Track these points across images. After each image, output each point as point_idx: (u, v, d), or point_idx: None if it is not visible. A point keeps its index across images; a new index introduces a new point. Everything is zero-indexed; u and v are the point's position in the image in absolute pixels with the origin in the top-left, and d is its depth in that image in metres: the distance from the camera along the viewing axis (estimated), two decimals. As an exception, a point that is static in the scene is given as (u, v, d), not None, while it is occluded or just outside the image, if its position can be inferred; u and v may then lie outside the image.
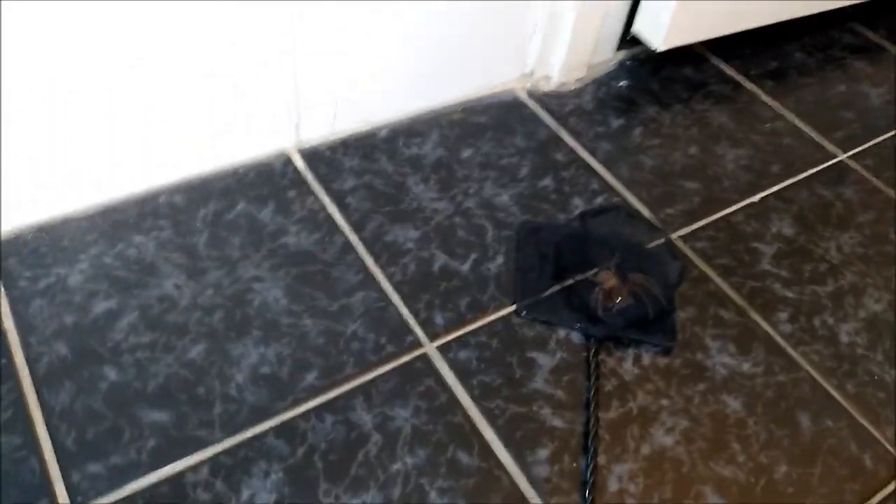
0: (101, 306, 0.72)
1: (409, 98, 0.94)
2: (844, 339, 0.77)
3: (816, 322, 0.78)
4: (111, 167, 0.78)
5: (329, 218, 0.81)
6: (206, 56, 0.75)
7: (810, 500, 0.65)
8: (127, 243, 0.77)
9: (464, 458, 0.64)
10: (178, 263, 0.76)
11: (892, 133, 1.03)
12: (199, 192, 0.83)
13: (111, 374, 0.67)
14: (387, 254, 0.79)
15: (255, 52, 0.77)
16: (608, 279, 0.74)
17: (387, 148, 0.90)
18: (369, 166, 0.88)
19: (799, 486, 0.65)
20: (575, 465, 0.64)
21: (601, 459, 0.65)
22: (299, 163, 0.87)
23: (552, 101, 1.00)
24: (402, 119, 0.94)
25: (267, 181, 0.85)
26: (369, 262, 0.78)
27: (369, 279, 0.76)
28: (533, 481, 0.63)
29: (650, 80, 1.06)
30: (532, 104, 0.99)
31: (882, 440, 0.69)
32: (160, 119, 0.77)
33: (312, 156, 0.88)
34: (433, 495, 0.62)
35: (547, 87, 1.02)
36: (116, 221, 0.79)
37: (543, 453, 0.65)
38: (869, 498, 0.66)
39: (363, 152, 0.89)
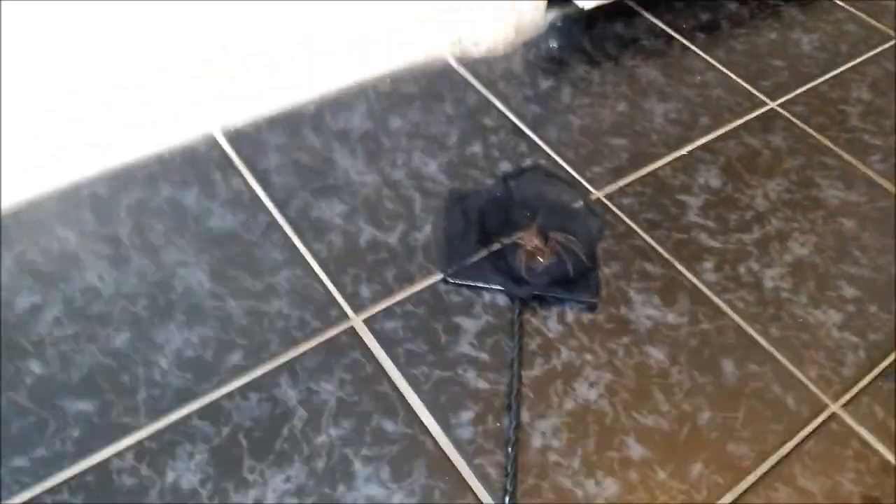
0: (25, 301, 0.71)
1: (337, 71, 0.94)
2: (769, 284, 0.78)
3: (742, 269, 0.79)
4: (32, 162, 0.77)
5: (254, 198, 0.81)
6: (126, 41, 0.73)
7: (733, 443, 0.66)
8: (50, 237, 0.76)
9: (389, 425, 0.65)
10: (102, 254, 0.75)
11: (822, 78, 1.03)
12: (123, 180, 0.82)
13: (35, 367, 0.67)
14: (312, 230, 0.79)
15: (177, 35, 0.76)
16: (530, 240, 0.74)
17: (313, 123, 0.90)
18: (295, 143, 0.87)
19: (722, 431, 0.67)
20: (499, 424, 0.65)
21: (525, 417, 0.66)
22: (224, 145, 0.86)
23: (481, 66, 0.99)
24: (330, 93, 0.93)
25: (191, 165, 0.84)
26: (294, 239, 0.78)
27: (294, 256, 0.76)
28: (457, 443, 0.64)
29: (581, 38, 1.05)
30: (461, 70, 0.98)
31: (805, 381, 0.71)
32: (82, 109, 0.76)
33: (237, 137, 0.87)
34: (358, 464, 0.62)
35: (476, 52, 1.01)
36: (40, 216, 0.78)
37: (467, 415, 0.66)
38: (791, 437, 0.67)
39: (289, 129, 0.89)
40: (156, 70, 0.78)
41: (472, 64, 0.99)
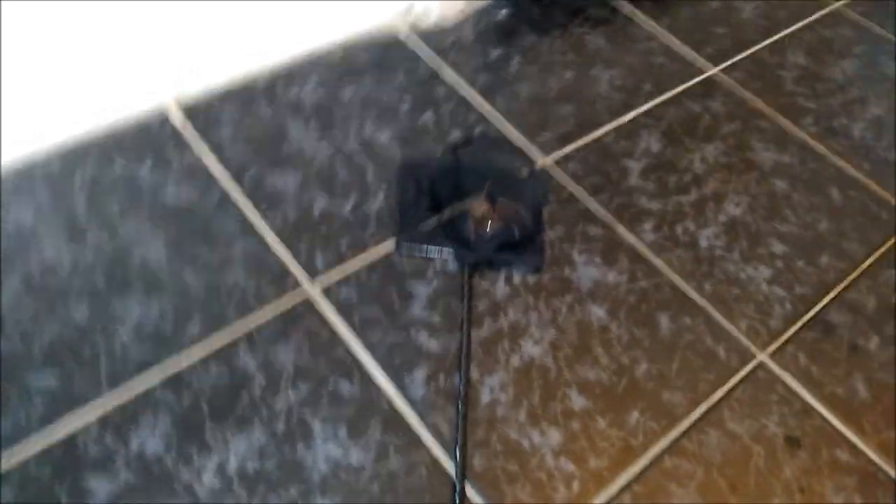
0: (-19, 279, 0.72)
1: (288, 43, 0.94)
2: (704, 243, 0.82)
3: (679, 230, 0.83)
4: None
5: (207, 170, 0.82)
6: (76, 14, 0.73)
7: (667, 392, 0.71)
8: (6, 216, 0.77)
9: (345, 388, 0.68)
10: (59, 230, 0.76)
11: (762, 44, 1.07)
12: (76, 156, 0.82)
13: (-4, 343, 0.68)
14: (266, 201, 0.80)
15: (127, 7, 0.76)
16: (478, 207, 0.77)
17: (266, 94, 0.91)
18: (248, 114, 0.88)
19: (658, 381, 0.71)
20: (450, 382, 0.69)
21: (474, 374, 0.69)
22: (177, 118, 0.87)
23: (433, 36, 1.01)
24: (283, 64, 0.94)
25: (144, 139, 0.84)
26: (248, 210, 0.79)
27: (249, 228, 0.78)
28: (410, 401, 0.67)
29: (531, 8, 1.07)
30: (413, 40, 1.00)
31: (735, 332, 0.76)
32: (32, 85, 0.76)
33: (190, 109, 0.88)
34: (316, 424, 0.65)
35: (427, 22, 1.02)
36: (-9, 194, 0.78)
37: (420, 375, 0.69)
38: (721, 385, 0.72)
39: (242, 101, 0.89)
40: (106, 43, 0.78)
41: (423, 34, 1.01)
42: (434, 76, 0.95)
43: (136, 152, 0.83)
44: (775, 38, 1.08)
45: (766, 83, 1.01)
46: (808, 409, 0.72)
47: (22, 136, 0.79)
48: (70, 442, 0.63)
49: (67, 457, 0.62)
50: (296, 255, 0.76)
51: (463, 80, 0.95)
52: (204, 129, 0.86)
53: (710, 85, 1.00)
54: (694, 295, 0.78)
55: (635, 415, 0.69)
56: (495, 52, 1.00)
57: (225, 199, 0.80)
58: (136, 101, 0.86)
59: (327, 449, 0.64)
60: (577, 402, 0.69)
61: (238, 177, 0.82)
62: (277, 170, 0.83)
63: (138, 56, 0.81)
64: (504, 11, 1.05)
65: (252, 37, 0.90)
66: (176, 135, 0.85)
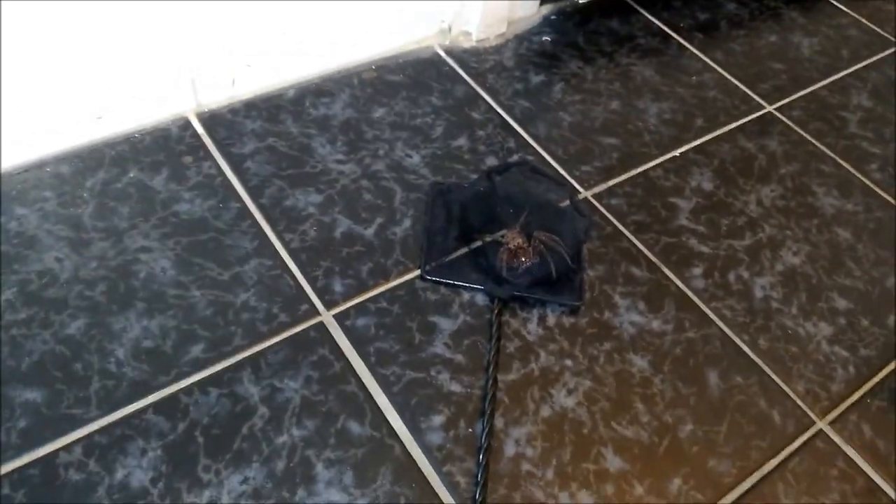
0: (-23, 282, 0.67)
1: (320, 57, 0.90)
2: (759, 293, 0.75)
3: (731, 277, 0.76)
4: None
5: (226, 183, 0.77)
6: (97, 16, 0.70)
7: (714, 459, 0.63)
8: (8, 216, 0.72)
9: (355, 427, 0.61)
10: (62, 236, 0.71)
11: (821, 83, 1.00)
12: (89, 161, 0.78)
13: (-17, 353, 0.63)
14: (285, 220, 0.75)
15: (149, 13, 0.72)
16: (513, 238, 0.71)
17: (293, 109, 0.86)
18: (272, 128, 0.83)
19: (704, 445, 0.64)
20: (471, 430, 0.62)
21: (499, 423, 0.62)
22: (198, 127, 0.83)
23: (471, 57, 0.96)
24: (312, 78, 0.90)
25: (162, 147, 0.80)
26: (266, 228, 0.74)
27: (265, 246, 0.72)
28: (426, 449, 0.61)
29: (575, 33, 1.02)
30: (450, 61, 0.95)
31: (792, 395, 0.68)
32: (48, 86, 0.72)
33: (212, 119, 0.83)
34: (320, 467, 0.59)
35: (466, 43, 0.98)
36: (-2, 194, 0.74)
37: (438, 419, 0.62)
38: (776, 454, 0.64)
39: (267, 114, 0.85)
40: (128, 47, 0.74)
41: (462, 55, 0.96)
42: (471, 99, 0.90)
43: (152, 160, 0.78)
44: (836, 76, 1.01)
45: (826, 124, 0.94)
46: (872, 489, 0.63)
47: (31, 134, 0.75)
48: (50, 464, 0.57)
49: (46, 480, 0.56)
50: (311, 279, 0.71)
51: (501, 105, 0.90)
52: (225, 141, 0.81)
53: (765, 123, 0.93)
54: (747, 350, 0.70)
55: (677, 482, 0.61)
56: (536, 78, 0.95)
57: (241, 214, 0.75)
58: (156, 108, 0.82)
59: (330, 496, 0.57)
60: (613, 462, 0.61)
61: (257, 193, 0.77)
62: (299, 187, 0.78)
63: (161, 62, 0.77)
64: (547, 36, 1.01)
65: (282, 48, 0.86)
66: (195, 145, 0.81)
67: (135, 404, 0.61)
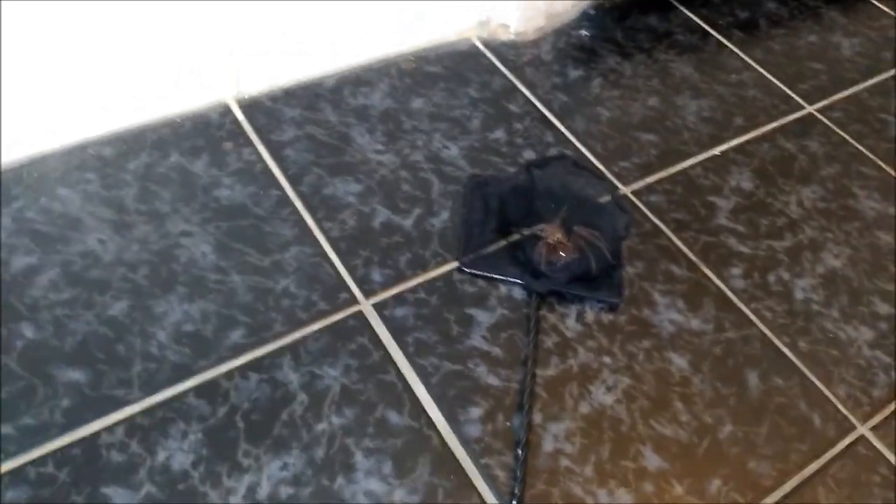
0: (21, 262, 0.68)
1: (360, 46, 0.90)
2: (799, 295, 0.74)
3: (771, 278, 0.75)
4: (38, 119, 0.74)
5: (266, 170, 0.77)
6: (140, 3, 0.70)
7: (754, 460, 0.62)
8: (51, 197, 0.73)
9: (393, 417, 0.61)
10: (104, 218, 0.72)
11: (863, 85, 0.99)
12: (131, 144, 0.78)
13: (28, 331, 0.64)
14: (325, 208, 0.75)
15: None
16: (552, 233, 0.70)
17: (332, 98, 0.86)
18: (312, 117, 0.83)
19: (743, 446, 0.63)
20: (508, 424, 0.62)
21: (537, 418, 0.62)
22: (238, 113, 0.83)
23: (509, 50, 0.95)
24: (352, 68, 0.90)
25: (203, 133, 0.80)
26: (306, 216, 0.74)
27: (304, 234, 0.73)
28: (464, 441, 0.61)
29: (614, 29, 1.01)
30: (488, 54, 0.95)
31: (833, 399, 0.67)
32: (92, 69, 0.72)
33: (252, 106, 0.84)
34: (359, 455, 0.59)
35: (504, 36, 0.97)
36: (42, 174, 0.75)
37: (476, 412, 0.62)
38: (817, 458, 0.63)
39: (307, 102, 0.85)
40: (170, 32, 0.74)
41: (500, 47, 0.96)
42: (509, 91, 0.90)
43: (193, 145, 0.79)
44: (878, 79, 1.00)
45: (867, 126, 0.93)
46: (914, 496, 0.62)
47: (75, 116, 0.76)
48: (93, 444, 0.58)
49: (88, 460, 0.57)
50: (351, 268, 0.71)
51: (539, 99, 0.89)
52: (264, 127, 0.81)
53: (806, 123, 0.92)
54: (787, 352, 0.69)
55: (716, 483, 0.61)
56: (575, 73, 0.94)
57: (281, 202, 0.75)
58: (197, 93, 0.82)
59: (369, 485, 0.58)
60: (652, 461, 0.61)
61: (296, 180, 0.77)
62: (338, 176, 0.78)
63: (203, 49, 0.77)
64: (585, 31, 1.00)
65: (322, 37, 0.86)
66: (236, 131, 0.81)
67: (176, 387, 0.61)
